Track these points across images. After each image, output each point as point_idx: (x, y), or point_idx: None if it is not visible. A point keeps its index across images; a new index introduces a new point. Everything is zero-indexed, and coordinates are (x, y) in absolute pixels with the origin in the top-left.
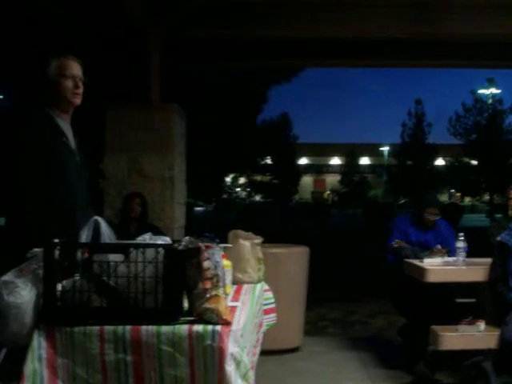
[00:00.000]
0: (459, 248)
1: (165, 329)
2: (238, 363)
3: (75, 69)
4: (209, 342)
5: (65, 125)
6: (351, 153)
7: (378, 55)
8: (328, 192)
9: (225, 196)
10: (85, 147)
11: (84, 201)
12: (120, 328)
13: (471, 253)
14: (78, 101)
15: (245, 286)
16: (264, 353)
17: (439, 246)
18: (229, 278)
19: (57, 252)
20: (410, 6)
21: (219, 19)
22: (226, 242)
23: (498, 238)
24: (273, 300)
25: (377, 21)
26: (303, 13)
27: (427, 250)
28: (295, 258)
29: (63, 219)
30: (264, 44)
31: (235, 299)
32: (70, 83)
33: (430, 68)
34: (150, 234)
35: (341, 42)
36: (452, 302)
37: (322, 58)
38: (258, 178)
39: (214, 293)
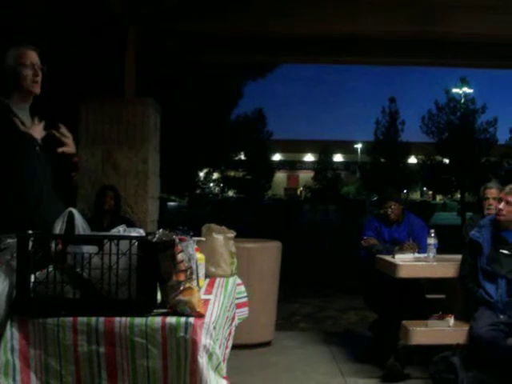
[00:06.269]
0: (430, 244)
1: (138, 320)
2: (210, 355)
3: (34, 57)
4: (182, 333)
5: (24, 114)
6: (325, 149)
7: (367, 52)
8: (301, 188)
9: (198, 191)
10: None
11: (49, 190)
12: (93, 319)
13: (442, 250)
14: (37, 90)
15: (218, 280)
16: (236, 347)
17: (411, 241)
18: (202, 272)
19: (30, 243)
20: (405, 5)
21: (196, 14)
22: (199, 236)
23: (469, 235)
24: (245, 294)
25: (368, 18)
26: (287, 9)
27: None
28: (268, 253)
29: (25, 208)
30: (249, 39)
31: (208, 292)
32: (29, 72)
33: (422, 66)
34: (123, 225)
35: (329, 38)
36: (422, 298)
37: (312, 54)
38: (232, 173)
39: (187, 285)
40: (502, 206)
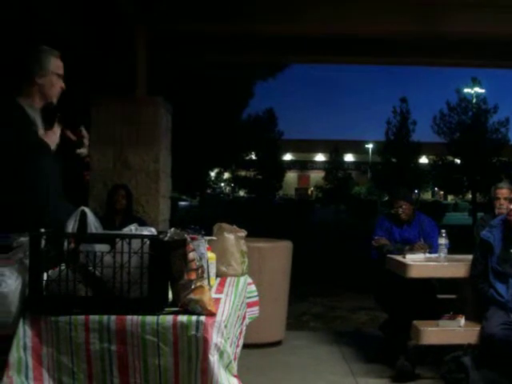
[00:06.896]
0: (441, 244)
1: (149, 319)
2: (221, 353)
3: (63, 68)
4: (193, 332)
5: (34, 113)
6: (336, 149)
7: (370, 52)
8: (312, 188)
9: (209, 191)
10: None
11: (57, 189)
12: (105, 318)
13: (454, 250)
14: (56, 100)
15: (228, 279)
16: (246, 346)
17: (422, 241)
18: (213, 271)
19: (43, 241)
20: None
21: (207, 13)
22: (210, 236)
23: (480, 235)
24: (256, 293)
25: (369, 19)
26: (295, 9)
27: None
28: (279, 253)
29: (33, 205)
30: (252, 39)
31: (219, 291)
32: (60, 83)
33: (423, 66)
34: (135, 224)
35: (334, 38)
36: (433, 298)
37: (314, 54)
38: (243, 173)
39: (198, 284)
40: None
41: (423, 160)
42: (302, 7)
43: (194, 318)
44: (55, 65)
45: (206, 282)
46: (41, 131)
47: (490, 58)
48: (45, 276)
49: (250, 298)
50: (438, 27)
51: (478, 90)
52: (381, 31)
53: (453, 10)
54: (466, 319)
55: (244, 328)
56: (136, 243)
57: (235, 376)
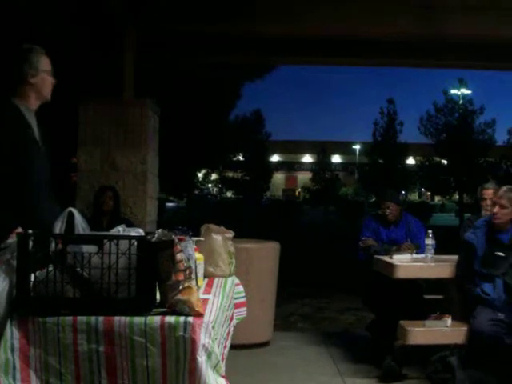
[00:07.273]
0: (428, 245)
1: (137, 320)
2: (209, 354)
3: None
4: (181, 333)
5: (30, 115)
6: (323, 150)
7: (371, 54)
8: (299, 189)
9: (196, 192)
10: (49, 138)
11: (49, 189)
12: (93, 318)
13: (440, 251)
14: (49, 97)
15: (216, 280)
16: (234, 347)
17: (409, 242)
18: (201, 271)
19: (30, 242)
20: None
21: (195, 14)
22: (198, 236)
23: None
24: (243, 294)
25: (369, 20)
26: (295, 9)
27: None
28: (266, 254)
29: (23, 206)
30: (248, 40)
31: (207, 292)
32: (51, 80)
33: (424, 67)
34: (123, 225)
35: (334, 40)
36: (420, 298)
37: (313, 55)
38: (230, 174)
39: (186, 285)
40: (496, 209)
41: (410, 161)
42: (302, 8)
43: (181, 318)
44: (44, 62)
45: (193, 283)
46: (35, 133)
47: (491, 60)
48: (32, 277)
49: (237, 298)
50: (440, 30)
51: (464, 91)
52: (381, 33)
53: (454, 12)
54: (453, 319)
55: (232, 329)
56: (124, 244)
57: (223, 376)
